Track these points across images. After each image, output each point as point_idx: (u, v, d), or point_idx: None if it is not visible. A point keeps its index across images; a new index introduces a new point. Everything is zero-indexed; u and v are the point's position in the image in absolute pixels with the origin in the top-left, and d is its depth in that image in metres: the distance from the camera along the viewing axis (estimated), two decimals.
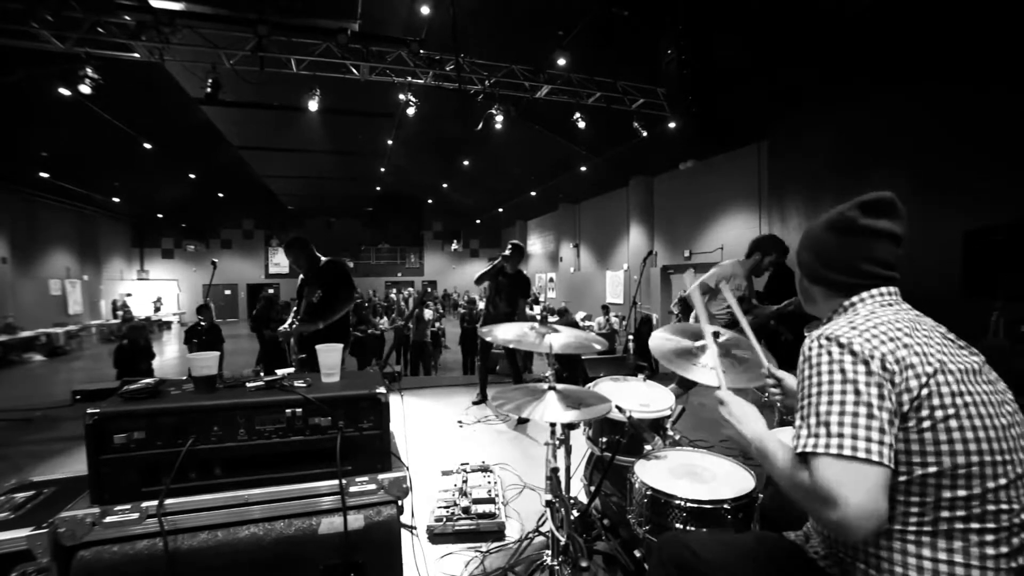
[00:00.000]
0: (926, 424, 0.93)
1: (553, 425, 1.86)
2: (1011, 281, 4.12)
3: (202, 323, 6.78)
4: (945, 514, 0.93)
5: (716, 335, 1.89)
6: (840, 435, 0.90)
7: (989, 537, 0.92)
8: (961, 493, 0.92)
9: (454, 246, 26.91)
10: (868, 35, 5.71)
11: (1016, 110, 4.65)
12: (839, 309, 1.15)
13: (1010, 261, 4.26)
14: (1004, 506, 0.92)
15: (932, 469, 0.92)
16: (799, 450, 0.95)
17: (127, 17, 5.46)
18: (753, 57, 6.63)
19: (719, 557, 1.23)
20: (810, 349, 1.02)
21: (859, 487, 0.86)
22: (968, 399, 0.94)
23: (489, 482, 2.88)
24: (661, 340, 2.10)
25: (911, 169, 5.65)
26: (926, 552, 0.93)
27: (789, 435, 1.02)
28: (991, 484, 0.92)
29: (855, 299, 1.12)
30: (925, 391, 0.93)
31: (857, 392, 0.92)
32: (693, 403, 3.82)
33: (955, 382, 0.95)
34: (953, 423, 0.92)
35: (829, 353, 0.98)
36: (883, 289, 1.11)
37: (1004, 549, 0.92)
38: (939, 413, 0.93)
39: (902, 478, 0.94)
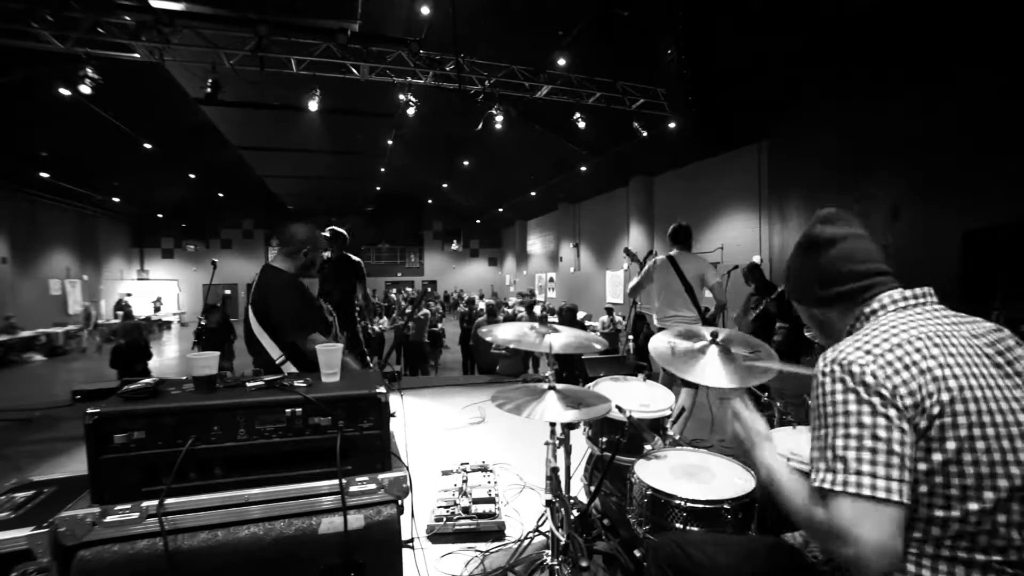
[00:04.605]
0: (937, 456, 0.88)
1: (553, 425, 1.86)
2: (1011, 281, 4.12)
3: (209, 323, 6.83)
4: (949, 541, 0.90)
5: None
6: (858, 472, 0.86)
7: (995, 564, 0.89)
8: (970, 529, 0.89)
9: (454, 246, 26.91)
10: (868, 35, 5.71)
11: (1016, 110, 4.65)
12: (861, 317, 1.09)
13: (1010, 261, 4.27)
14: (1017, 539, 0.89)
15: (940, 501, 0.89)
16: (816, 484, 0.92)
17: (127, 17, 5.47)
18: (753, 57, 6.63)
19: (715, 559, 1.23)
20: (823, 375, 0.97)
21: (876, 527, 0.83)
22: (990, 431, 0.88)
23: (489, 482, 2.89)
24: (661, 343, 2.09)
25: (911, 169, 5.65)
26: (926, 573, 0.91)
27: (784, 436, 1.00)
28: (1002, 519, 0.88)
29: (875, 305, 1.07)
30: (939, 422, 0.88)
31: (875, 426, 0.88)
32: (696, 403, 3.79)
33: (976, 412, 0.89)
34: (967, 456, 0.88)
35: (842, 382, 0.93)
36: (906, 293, 1.06)
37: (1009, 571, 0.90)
38: (951, 445, 0.88)
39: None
